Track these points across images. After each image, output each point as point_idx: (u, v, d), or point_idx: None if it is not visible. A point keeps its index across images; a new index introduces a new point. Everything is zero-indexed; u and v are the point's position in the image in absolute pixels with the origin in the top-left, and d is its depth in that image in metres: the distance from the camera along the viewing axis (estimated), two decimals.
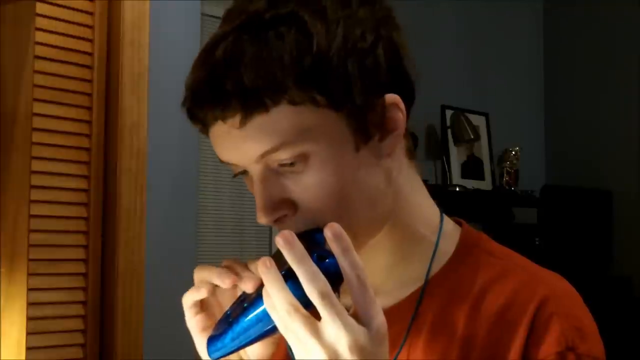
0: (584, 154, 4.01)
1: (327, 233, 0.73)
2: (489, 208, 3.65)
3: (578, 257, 3.64)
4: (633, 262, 3.75)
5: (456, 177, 3.56)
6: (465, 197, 3.45)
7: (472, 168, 3.66)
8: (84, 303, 2.16)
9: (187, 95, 0.80)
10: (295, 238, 0.73)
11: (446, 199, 3.23)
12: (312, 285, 0.72)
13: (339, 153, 0.79)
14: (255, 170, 0.80)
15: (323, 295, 0.71)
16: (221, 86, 0.76)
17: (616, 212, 3.86)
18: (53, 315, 2.10)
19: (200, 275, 0.82)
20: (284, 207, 0.80)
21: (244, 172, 0.83)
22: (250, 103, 0.76)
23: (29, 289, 1.93)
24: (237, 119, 0.77)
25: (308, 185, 0.79)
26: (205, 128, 0.81)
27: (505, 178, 3.71)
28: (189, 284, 0.84)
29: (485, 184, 3.69)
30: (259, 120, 0.76)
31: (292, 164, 0.79)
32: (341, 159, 0.79)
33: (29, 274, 1.94)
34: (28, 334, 1.91)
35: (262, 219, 0.81)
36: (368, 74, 0.79)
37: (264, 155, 0.78)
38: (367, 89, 0.79)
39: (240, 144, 0.78)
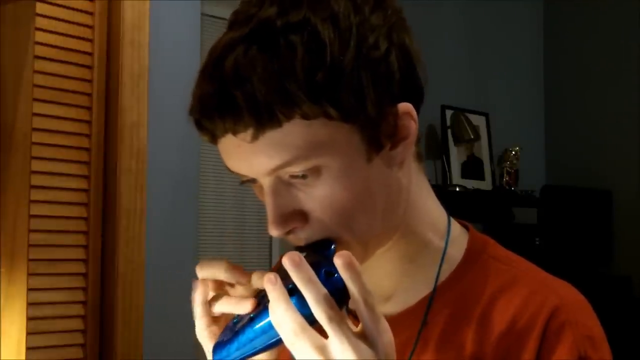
0: (584, 154, 4.01)
1: (338, 261, 0.72)
2: (489, 208, 3.65)
3: (578, 257, 3.64)
4: (633, 262, 3.75)
5: (456, 177, 3.56)
6: (465, 197, 3.45)
7: (472, 168, 3.66)
8: (84, 303, 2.16)
9: (195, 105, 0.78)
10: (303, 259, 0.72)
11: (446, 199, 3.21)
12: (320, 308, 0.71)
13: (351, 165, 0.78)
14: (266, 182, 0.79)
15: (331, 318, 0.71)
16: (232, 99, 0.74)
17: (616, 212, 3.86)
18: (53, 315, 2.10)
19: (205, 272, 0.81)
20: (295, 219, 0.79)
21: (251, 180, 0.82)
22: (262, 118, 0.74)
23: (29, 289, 1.93)
24: (248, 133, 0.75)
25: (320, 197, 0.78)
26: (213, 139, 0.79)
27: (505, 178, 3.70)
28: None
29: (485, 184, 3.69)
30: (271, 135, 0.75)
31: (304, 176, 0.78)
32: (353, 170, 0.78)
33: (29, 274, 1.94)
34: (28, 334, 1.91)
35: (274, 232, 0.80)
36: (381, 84, 0.77)
37: (275, 169, 0.77)
38: (380, 100, 0.77)
39: (252, 158, 0.77)
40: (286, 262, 0.72)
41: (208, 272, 0.82)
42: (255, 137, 0.75)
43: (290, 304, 0.72)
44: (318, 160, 0.77)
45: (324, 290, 0.72)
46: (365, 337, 0.72)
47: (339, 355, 0.70)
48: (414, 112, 0.81)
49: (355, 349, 0.70)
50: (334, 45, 0.75)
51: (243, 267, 0.82)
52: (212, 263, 0.82)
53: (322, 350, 0.71)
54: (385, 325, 0.73)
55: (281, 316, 0.72)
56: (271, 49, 0.74)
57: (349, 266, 0.72)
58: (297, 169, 0.77)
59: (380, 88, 0.77)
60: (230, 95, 0.74)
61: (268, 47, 0.74)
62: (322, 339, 0.72)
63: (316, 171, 0.77)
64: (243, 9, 0.79)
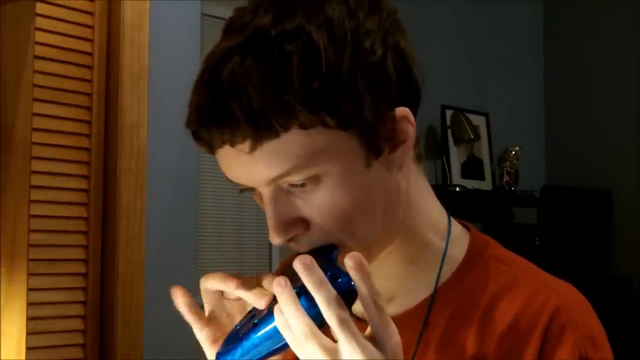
0: (584, 154, 4.01)
1: (348, 262, 0.72)
2: (489, 208, 3.65)
3: (578, 257, 3.64)
4: (633, 262, 3.75)
5: (456, 177, 3.56)
6: (465, 197, 3.45)
7: (472, 168, 3.66)
8: (84, 303, 2.16)
9: (192, 116, 0.78)
10: (314, 263, 0.72)
11: (446, 199, 3.20)
12: (331, 311, 0.71)
13: (351, 171, 0.78)
14: (265, 191, 0.79)
15: (342, 321, 0.71)
16: (229, 110, 0.74)
17: (616, 212, 3.86)
18: (53, 315, 2.10)
19: (204, 284, 0.82)
20: (296, 227, 0.79)
21: (250, 189, 0.82)
22: (260, 129, 0.74)
23: (29, 289, 1.93)
24: (246, 144, 0.75)
25: (320, 204, 0.78)
26: (211, 150, 0.79)
27: (505, 178, 3.70)
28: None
29: (485, 184, 3.69)
30: (269, 146, 0.75)
31: (303, 185, 0.78)
32: (352, 176, 0.78)
33: (29, 274, 1.94)
34: (28, 334, 1.91)
35: (275, 240, 0.80)
36: (378, 90, 0.77)
37: (275, 179, 0.77)
38: (377, 105, 0.77)
39: (250, 168, 0.77)
40: (297, 265, 0.72)
41: (212, 284, 0.81)
42: (253, 148, 0.75)
43: (299, 306, 0.72)
44: (318, 168, 0.77)
45: (334, 292, 0.72)
46: (374, 340, 0.72)
47: (349, 357, 0.70)
48: (411, 116, 0.81)
49: (365, 352, 0.70)
50: (329, 53, 0.75)
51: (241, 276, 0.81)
52: (216, 274, 0.81)
53: (332, 352, 0.71)
54: (393, 328, 0.73)
55: (291, 318, 0.72)
56: (267, 58, 0.74)
57: (360, 267, 0.72)
58: (296, 178, 0.77)
59: (378, 93, 0.77)
60: (226, 107, 0.74)
61: (263, 57, 0.74)
62: (331, 341, 0.72)
63: (315, 179, 0.77)
64: (238, 15, 0.79)
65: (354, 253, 0.73)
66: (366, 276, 0.72)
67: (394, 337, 0.73)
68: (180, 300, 0.84)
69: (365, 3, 0.79)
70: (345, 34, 0.76)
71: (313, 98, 0.74)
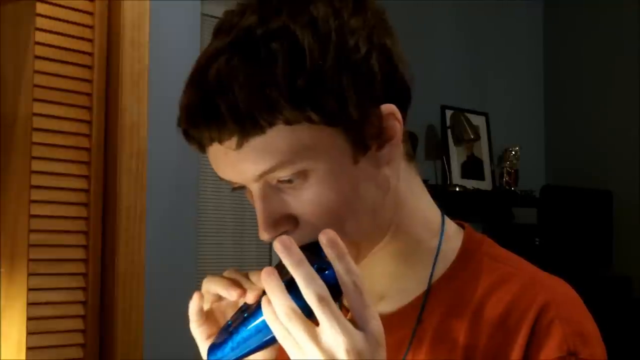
0: (584, 154, 4.01)
1: (322, 239, 0.74)
2: (489, 208, 3.65)
3: (578, 257, 3.64)
4: (633, 262, 3.75)
5: (456, 177, 3.56)
6: (465, 197, 3.45)
7: (472, 168, 3.66)
8: (84, 303, 2.16)
9: (182, 116, 0.81)
10: (294, 243, 0.74)
11: (446, 199, 3.22)
12: (310, 289, 0.72)
13: (338, 167, 0.79)
14: (254, 188, 0.81)
15: (320, 299, 0.71)
16: (216, 109, 0.76)
17: (616, 212, 3.86)
18: (53, 315, 2.10)
19: (208, 286, 0.83)
20: (285, 223, 0.80)
21: (243, 187, 0.83)
22: (245, 126, 0.75)
23: (29, 289, 1.94)
24: (233, 141, 0.77)
25: (308, 201, 0.79)
26: (201, 148, 0.81)
27: (505, 178, 3.70)
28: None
29: (485, 184, 3.69)
30: (255, 142, 0.76)
31: (291, 181, 0.79)
32: (340, 173, 0.79)
33: (29, 274, 1.94)
34: (28, 334, 1.92)
35: (264, 236, 0.81)
36: (363, 87, 0.78)
37: (262, 175, 0.79)
38: (362, 103, 0.78)
39: (238, 165, 0.79)
40: (277, 245, 0.73)
41: (210, 286, 0.83)
42: (239, 145, 0.77)
43: (285, 292, 0.73)
44: (303, 164, 0.78)
45: (314, 272, 0.72)
46: (354, 323, 0.72)
47: (330, 339, 0.71)
48: (398, 113, 0.81)
49: (346, 333, 0.71)
50: (314, 51, 0.76)
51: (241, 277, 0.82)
52: (215, 278, 0.83)
53: (314, 335, 0.71)
54: (374, 311, 0.73)
55: (276, 303, 0.73)
56: (252, 57, 0.76)
57: (334, 244, 0.73)
58: (283, 174, 0.78)
59: (362, 90, 0.78)
60: (214, 105, 0.76)
61: (249, 56, 0.76)
62: (314, 325, 0.72)
63: (303, 175, 0.78)
64: (227, 18, 0.81)
65: (327, 230, 0.74)
66: (342, 254, 0.73)
67: (375, 320, 0.73)
68: (194, 303, 0.85)
69: (349, 3, 0.80)
70: (329, 33, 0.77)
71: (297, 94, 0.75)
